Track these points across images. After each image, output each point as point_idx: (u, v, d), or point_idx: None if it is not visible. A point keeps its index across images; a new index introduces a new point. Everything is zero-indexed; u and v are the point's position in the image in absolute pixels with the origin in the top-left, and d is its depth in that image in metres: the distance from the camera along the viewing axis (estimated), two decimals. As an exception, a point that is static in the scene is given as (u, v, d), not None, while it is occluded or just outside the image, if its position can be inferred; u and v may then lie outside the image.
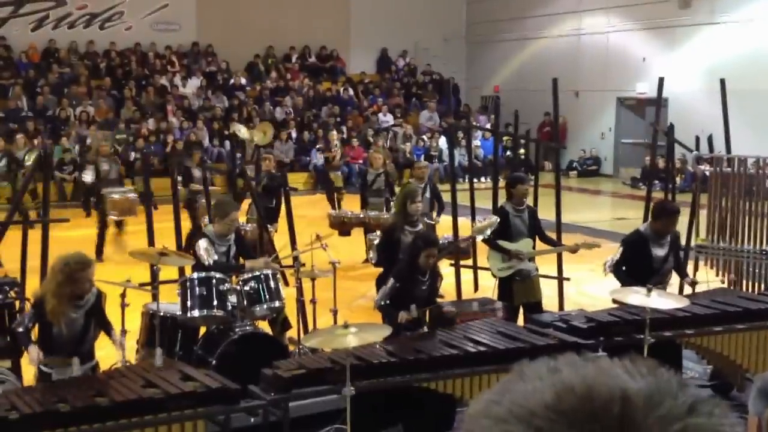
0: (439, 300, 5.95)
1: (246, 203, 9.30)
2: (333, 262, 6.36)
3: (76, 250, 4.73)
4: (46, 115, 17.29)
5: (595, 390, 0.69)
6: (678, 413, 0.68)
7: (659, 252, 5.91)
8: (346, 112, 19.84)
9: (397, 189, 9.88)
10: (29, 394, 4.31)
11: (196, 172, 10.89)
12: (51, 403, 4.12)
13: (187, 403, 4.25)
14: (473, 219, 8.28)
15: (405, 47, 22.14)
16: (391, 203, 9.94)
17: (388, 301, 5.45)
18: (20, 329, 4.62)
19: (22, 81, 17.90)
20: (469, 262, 8.47)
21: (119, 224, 10.59)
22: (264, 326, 6.09)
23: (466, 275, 8.31)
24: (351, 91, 20.78)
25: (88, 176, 10.85)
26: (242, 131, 12.26)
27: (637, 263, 5.85)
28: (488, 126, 17.14)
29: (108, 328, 4.82)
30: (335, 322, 6.07)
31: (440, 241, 7.14)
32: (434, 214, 8.76)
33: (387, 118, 19.86)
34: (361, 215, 9.96)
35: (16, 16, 18.85)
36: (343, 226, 10.16)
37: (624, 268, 5.89)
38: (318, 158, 17.30)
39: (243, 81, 19.94)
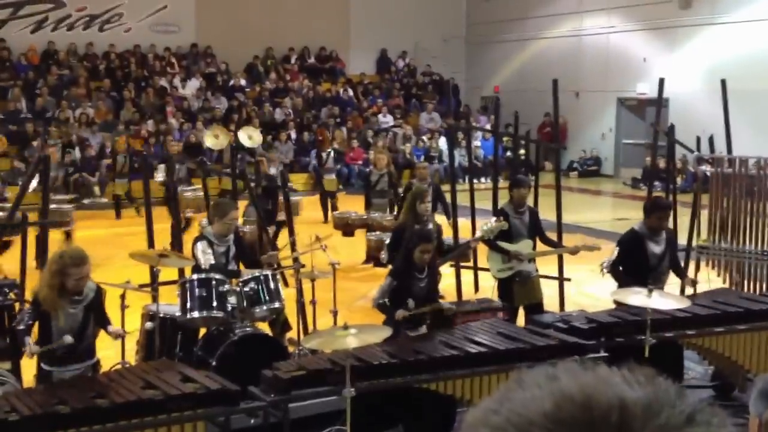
0: (439, 300, 5.94)
1: (242, 204, 9.29)
2: (333, 263, 6.36)
3: (76, 246, 4.73)
4: (46, 116, 17.26)
5: (593, 399, 0.69)
6: (676, 423, 0.68)
7: (655, 249, 5.91)
8: (346, 113, 19.83)
9: (399, 190, 9.88)
10: (29, 395, 4.31)
11: (271, 170, 11.16)
12: (51, 404, 4.11)
13: (186, 405, 4.24)
14: (473, 220, 8.27)
15: (405, 48, 22.13)
16: (395, 204, 9.93)
17: (386, 300, 5.41)
18: (20, 327, 4.62)
19: (21, 82, 17.88)
20: (470, 263, 8.45)
21: (188, 221, 10.69)
22: (264, 327, 6.07)
23: (467, 276, 8.30)
24: (351, 92, 20.77)
25: (160, 175, 10.95)
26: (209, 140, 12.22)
27: (633, 261, 5.84)
28: (488, 126, 17.12)
29: (105, 323, 4.80)
30: (335, 323, 6.06)
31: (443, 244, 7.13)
32: (437, 216, 8.71)
33: (387, 119, 19.85)
34: (365, 216, 9.94)
35: (15, 18, 18.84)
36: (346, 227, 10.15)
37: (621, 267, 5.88)
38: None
39: (242, 82, 19.93)
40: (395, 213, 9.71)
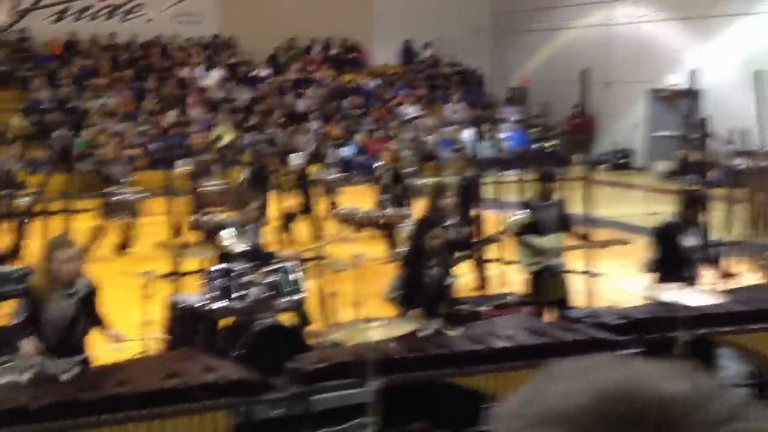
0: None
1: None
2: (355, 256, 6.28)
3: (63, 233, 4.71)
4: (68, 107, 17.29)
5: (632, 393, 0.67)
6: (718, 418, 0.67)
7: (690, 242, 5.80)
8: (370, 104, 19.70)
9: (425, 182, 9.70)
10: (52, 383, 4.26)
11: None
12: (73, 392, 4.08)
13: (208, 394, 4.22)
14: (500, 213, 8.14)
15: (429, 38, 21.89)
16: (402, 200, 9.68)
17: (399, 293, 5.31)
18: (16, 321, 4.56)
19: (43, 73, 17.92)
20: (498, 256, 8.31)
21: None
22: (286, 319, 6.01)
23: (494, 269, 8.16)
24: (374, 83, 20.63)
25: (298, 159, 11.12)
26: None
27: (670, 255, 5.72)
28: (515, 118, 16.94)
29: (100, 323, 4.70)
30: (358, 315, 5.97)
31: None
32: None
33: (411, 110, 19.69)
34: (353, 213, 9.67)
35: (37, 8, 18.88)
36: (345, 224, 9.95)
37: (657, 261, 5.76)
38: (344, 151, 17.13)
39: (265, 73, 19.87)
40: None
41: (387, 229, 9.27)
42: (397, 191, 9.85)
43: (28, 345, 4.44)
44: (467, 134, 17.61)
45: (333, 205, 11.50)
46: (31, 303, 4.54)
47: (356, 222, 9.65)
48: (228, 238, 5.76)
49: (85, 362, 4.68)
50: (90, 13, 19.34)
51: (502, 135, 17.26)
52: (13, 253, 7.60)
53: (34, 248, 9.02)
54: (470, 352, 4.77)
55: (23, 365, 4.34)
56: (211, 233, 6.06)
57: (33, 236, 8.78)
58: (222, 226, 5.98)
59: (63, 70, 18.16)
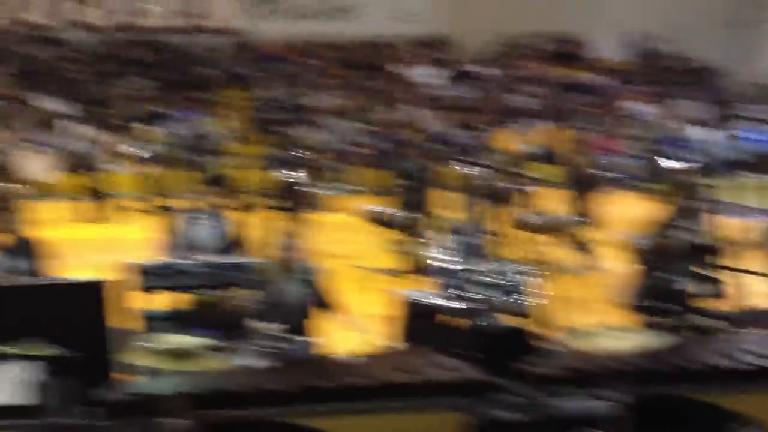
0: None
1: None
2: (585, 260, 6.05)
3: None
4: (292, 106, 18.13)
5: None
6: None
7: None
8: (597, 101, 18.95)
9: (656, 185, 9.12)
10: (282, 370, 4.45)
11: None
12: (310, 379, 4.22)
13: (437, 392, 4.22)
14: (742, 218, 7.46)
15: (661, 30, 20.66)
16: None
17: (636, 299, 5.12)
18: (253, 307, 4.82)
19: (270, 73, 18.99)
20: (742, 265, 7.62)
21: None
22: (511, 321, 5.92)
23: (738, 281, 7.49)
24: (601, 79, 19.82)
25: None
26: None
27: None
28: (759, 116, 15.56)
29: (329, 307, 4.84)
30: (586, 321, 5.74)
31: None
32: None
33: (642, 108, 18.69)
34: (543, 218, 9.10)
35: (263, 10, 20.12)
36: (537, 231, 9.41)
37: None
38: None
39: (485, 70, 19.78)
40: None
41: (574, 235, 8.85)
42: (584, 197, 9.31)
43: (265, 329, 4.66)
44: (703, 133, 16.48)
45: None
46: (265, 289, 4.81)
47: (546, 228, 9.25)
48: (448, 239, 5.81)
49: (308, 346, 4.86)
50: (312, 13, 20.29)
51: (743, 135, 15.95)
52: (249, 243, 8.13)
53: (268, 239, 9.63)
54: (723, 368, 4.45)
55: (261, 349, 4.59)
56: (436, 232, 6.13)
57: (268, 228, 9.36)
58: (447, 227, 6.04)
59: (287, 69, 19.10)
